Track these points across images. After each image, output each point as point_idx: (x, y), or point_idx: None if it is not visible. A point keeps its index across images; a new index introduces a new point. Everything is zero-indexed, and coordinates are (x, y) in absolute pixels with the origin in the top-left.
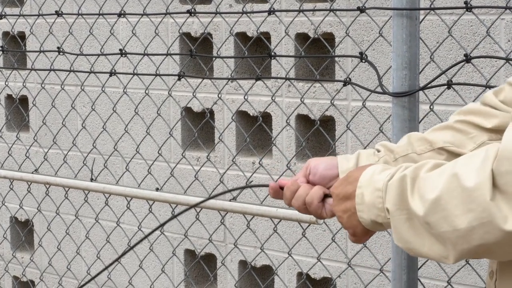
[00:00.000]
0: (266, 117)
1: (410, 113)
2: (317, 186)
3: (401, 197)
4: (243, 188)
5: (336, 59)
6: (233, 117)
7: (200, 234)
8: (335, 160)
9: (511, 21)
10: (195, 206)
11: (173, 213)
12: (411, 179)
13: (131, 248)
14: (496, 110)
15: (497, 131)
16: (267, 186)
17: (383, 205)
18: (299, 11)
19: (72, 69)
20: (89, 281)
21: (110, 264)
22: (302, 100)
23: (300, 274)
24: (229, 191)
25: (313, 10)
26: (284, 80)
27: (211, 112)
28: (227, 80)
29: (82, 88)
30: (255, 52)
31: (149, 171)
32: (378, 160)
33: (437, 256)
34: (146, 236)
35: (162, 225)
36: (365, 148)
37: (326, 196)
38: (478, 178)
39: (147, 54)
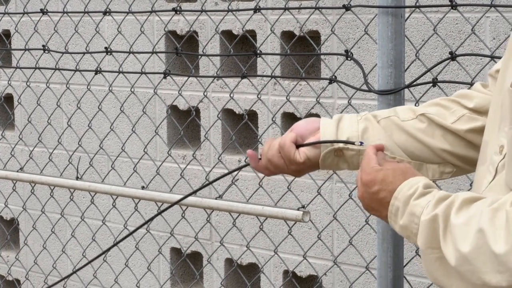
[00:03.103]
0: (252, 115)
1: None
2: (289, 132)
3: (432, 237)
4: (223, 176)
5: (322, 57)
6: (219, 115)
7: (186, 232)
8: (317, 118)
9: (496, 19)
10: (177, 202)
11: (158, 211)
12: (443, 221)
13: (115, 244)
14: (478, 93)
15: (477, 111)
16: (248, 165)
17: (417, 232)
18: (285, 9)
19: (57, 67)
20: (70, 274)
21: (94, 259)
22: (288, 98)
23: (286, 272)
24: (210, 183)
25: (299, 8)
26: (269, 78)
27: (197, 110)
28: (213, 78)
29: (68, 86)
30: (241, 50)
31: (134, 169)
32: (360, 119)
33: None
34: (130, 233)
35: (148, 221)
36: None
37: (301, 146)
38: (506, 245)
39: (133, 52)
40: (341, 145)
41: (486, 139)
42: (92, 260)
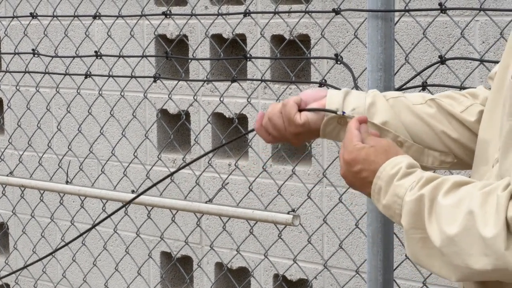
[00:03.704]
0: (242, 119)
1: None
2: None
3: (417, 217)
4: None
5: (312, 60)
6: (209, 119)
7: (176, 236)
8: (325, 89)
9: (485, 23)
10: (129, 203)
11: (148, 215)
12: (429, 201)
13: (66, 244)
14: (482, 91)
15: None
16: (252, 130)
17: (400, 212)
18: (275, 13)
19: (47, 71)
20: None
21: (45, 257)
22: (278, 101)
23: (276, 276)
24: (172, 174)
25: (289, 12)
26: (260, 81)
27: (187, 114)
28: (203, 82)
29: (57, 90)
30: (231, 54)
31: (124, 173)
32: (368, 95)
33: (445, 276)
34: (80, 234)
35: (110, 215)
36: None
37: (303, 110)
38: (495, 229)
39: (123, 56)
40: (347, 113)
41: (486, 139)
42: (44, 257)
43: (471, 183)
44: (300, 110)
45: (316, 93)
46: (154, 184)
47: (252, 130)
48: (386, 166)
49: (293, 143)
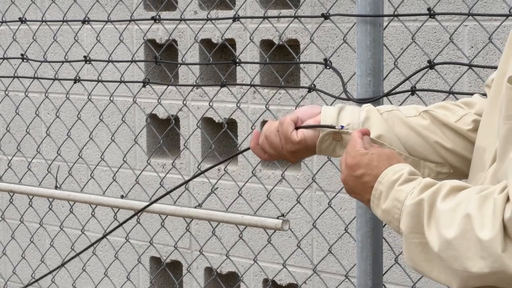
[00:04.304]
0: (232, 124)
1: None
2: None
3: (416, 221)
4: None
5: (301, 65)
6: (199, 124)
7: (166, 241)
8: (319, 106)
9: (474, 28)
10: (141, 211)
11: (138, 220)
12: (428, 206)
13: (78, 254)
14: (479, 100)
15: (480, 115)
16: (248, 149)
17: (399, 217)
18: (264, 17)
19: (36, 76)
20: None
21: (56, 269)
22: (267, 106)
23: (266, 281)
24: (188, 180)
25: (278, 17)
26: (249, 86)
27: (176, 119)
28: (192, 87)
29: (47, 95)
30: (220, 59)
31: (114, 178)
32: (362, 109)
33: (443, 282)
34: (90, 245)
35: (108, 233)
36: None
37: (300, 128)
38: (492, 231)
39: (112, 61)
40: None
41: (483, 146)
42: (53, 271)
43: (468, 187)
44: (297, 127)
45: (311, 110)
46: (168, 192)
47: (248, 149)
48: (388, 172)
49: (290, 160)
